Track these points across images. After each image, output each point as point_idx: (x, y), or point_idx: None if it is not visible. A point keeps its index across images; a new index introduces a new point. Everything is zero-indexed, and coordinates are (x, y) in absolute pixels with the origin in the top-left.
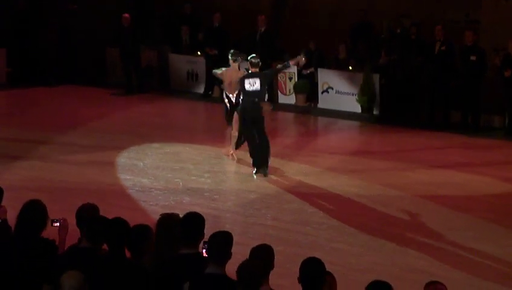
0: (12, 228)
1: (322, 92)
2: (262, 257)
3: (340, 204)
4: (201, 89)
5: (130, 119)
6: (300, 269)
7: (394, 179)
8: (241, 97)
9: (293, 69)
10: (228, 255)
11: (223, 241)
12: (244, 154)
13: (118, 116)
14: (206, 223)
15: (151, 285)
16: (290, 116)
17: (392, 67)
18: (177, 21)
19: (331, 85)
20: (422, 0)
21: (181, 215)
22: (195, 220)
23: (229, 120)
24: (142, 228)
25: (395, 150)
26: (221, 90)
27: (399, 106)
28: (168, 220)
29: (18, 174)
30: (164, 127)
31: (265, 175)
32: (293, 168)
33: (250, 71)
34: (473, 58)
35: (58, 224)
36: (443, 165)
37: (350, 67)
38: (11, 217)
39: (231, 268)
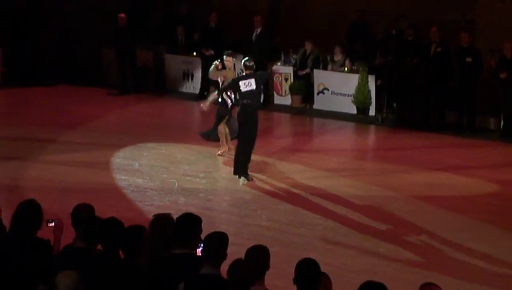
0: (7, 228)
1: (318, 93)
2: (257, 258)
3: (335, 205)
4: (196, 90)
5: (125, 119)
6: (295, 270)
7: (389, 180)
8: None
9: (289, 70)
10: (223, 256)
11: (218, 242)
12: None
13: (113, 116)
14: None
15: (146, 285)
16: (285, 117)
17: (388, 69)
18: (173, 21)
19: (326, 86)
20: (418, 2)
21: (176, 216)
22: (189, 221)
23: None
24: (137, 229)
25: (391, 151)
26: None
27: (394, 107)
28: (161, 220)
29: (13, 173)
30: (160, 127)
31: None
32: (288, 169)
33: (244, 73)
34: (468, 59)
35: (53, 224)
36: (439, 166)
37: (346, 68)
38: (6, 217)
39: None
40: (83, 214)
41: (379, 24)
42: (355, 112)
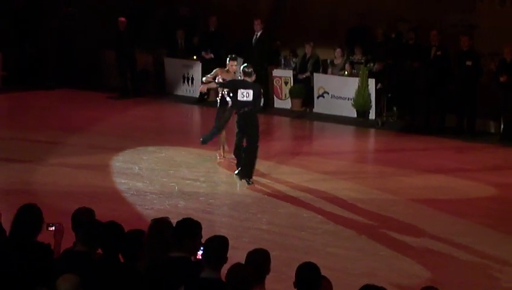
0: (7, 232)
1: (318, 97)
2: (258, 261)
3: (335, 208)
4: (196, 93)
5: (125, 123)
6: (296, 273)
7: (390, 183)
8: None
9: (289, 74)
10: (224, 260)
11: (218, 246)
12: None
13: (113, 119)
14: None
15: (145, 288)
16: (285, 120)
17: (388, 72)
18: (173, 24)
19: (326, 90)
20: (418, 5)
21: (176, 220)
22: (187, 225)
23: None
24: (137, 233)
25: (391, 154)
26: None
27: (394, 111)
28: (159, 224)
29: (13, 177)
30: (159, 131)
31: (248, 183)
32: (288, 173)
33: (242, 79)
34: (468, 63)
35: (53, 228)
36: (438, 169)
37: (346, 72)
38: (6, 221)
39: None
40: (83, 218)
41: (378, 27)
42: (355, 116)
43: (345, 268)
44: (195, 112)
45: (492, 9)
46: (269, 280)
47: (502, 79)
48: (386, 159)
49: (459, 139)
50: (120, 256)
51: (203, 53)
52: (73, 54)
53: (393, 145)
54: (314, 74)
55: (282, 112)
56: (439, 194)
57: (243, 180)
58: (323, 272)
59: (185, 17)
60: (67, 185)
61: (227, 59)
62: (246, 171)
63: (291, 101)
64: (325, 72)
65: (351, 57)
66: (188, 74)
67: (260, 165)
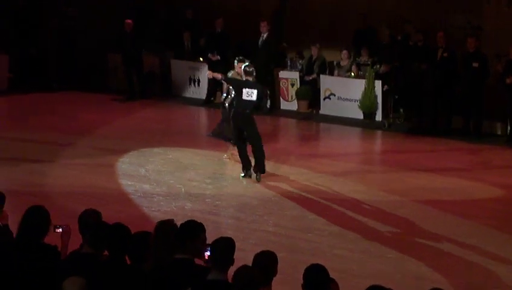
0: (14, 234)
1: (324, 99)
2: (265, 263)
3: (342, 210)
4: (203, 95)
5: (131, 125)
6: (304, 275)
7: (396, 185)
8: (234, 103)
9: (295, 75)
10: (231, 261)
11: (225, 248)
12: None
13: (119, 121)
14: (207, 229)
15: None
16: (292, 122)
17: (394, 74)
18: (179, 26)
19: (333, 91)
20: (424, 7)
21: (183, 221)
22: (189, 227)
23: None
24: (143, 235)
25: (398, 156)
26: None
27: (401, 113)
28: (165, 226)
29: (19, 179)
30: (166, 133)
31: (257, 180)
32: (295, 174)
33: (244, 79)
34: (475, 64)
35: (60, 230)
36: (445, 171)
37: (352, 74)
38: (13, 223)
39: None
40: (90, 220)
41: (385, 29)
42: (362, 117)
43: (352, 270)
44: (202, 113)
45: (499, 10)
46: (276, 282)
47: (508, 80)
48: (392, 160)
49: (465, 141)
50: (127, 258)
51: (209, 55)
52: (77, 56)
53: (399, 147)
54: (321, 76)
55: (288, 113)
56: (445, 195)
57: (253, 177)
58: (330, 274)
59: (191, 19)
60: (74, 186)
61: (235, 61)
62: (260, 167)
63: (298, 103)
64: (331, 73)
65: (357, 59)
66: (194, 76)
67: (266, 166)
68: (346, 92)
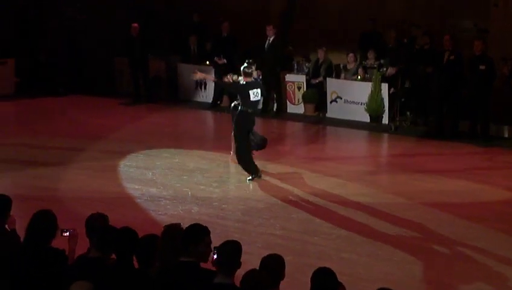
0: (22, 238)
1: (331, 102)
2: (273, 267)
3: (348, 213)
4: (209, 99)
5: (138, 129)
6: (312, 279)
7: (403, 188)
8: (241, 106)
9: (302, 79)
10: (237, 265)
11: (231, 251)
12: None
13: (126, 125)
14: (214, 232)
15: None
16: (298, 125)
17: (401, 77)
18: (186, 30)
19: (339, 94)
20: (431, 10)
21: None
22: (192, 231)
23: None
24: (151, 238)
25: (404, 159)
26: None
27: (408, 116)
28: (172, 230)
29: (27, 183)
30: (172, 137)
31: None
32: (301, 177)
33: (243, 81)
34: (481, 67)
35: (68, 234)
36: (452, 174)
37: (359, 77)
38: (20, 227)
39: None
40: (97, 224)
41: (391, 32)
42: (369, 121)
43: (358, 273)
44: (208, 117)
45: (506, 13)
46: (283, 286)
47: None
48: (399, 163)
49: (472, 143)
50: (134, 261)
51: (215, 58)
52: (84, 60)
53: (406, 150)
54: (327, 79)
55: (295, 117)
56: (452, 198)
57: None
58: (337, 278)
59: (197, 23)
60: (80, 191)
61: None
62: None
63: (304, 106)
64: (338, 77)
65: (363, 62)
66: (200, 80)
67: (273, 170)
68: (352, 95)
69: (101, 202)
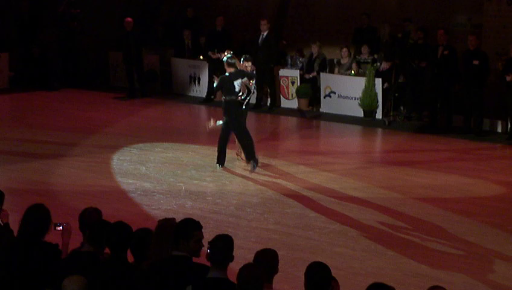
0: (15, 232)
1: (325, 97)
2: (266, 261)
3: (342, 208)
4: (203, 93)
5: (132, 123)
6: (306, 273)
7: (397, 182)
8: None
9: (296, 74)
10: (230, 259)
11: (223, 245)
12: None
13: (120, 120)
14: (207, 227)
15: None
16: (292, 120)
17: (395, 72)
18: (180, 25)
19: (333, 89)
20: (424, 5)
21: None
22: (183, 225)
23: None
24: (145, 232)
25: (398, 154)
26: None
27: (401, 110)
28: (166, 224)
29: (21, 177)
30: (166, 131)
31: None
32: (295, 172)
33: (227, 73)
34: (475, 62)
35: (61, 228)
36: (446, 169)
37: (353, 72)
38: (14, 221)
39: (235, 273)
40: (91, 218)
41: (385, 27)
42: (362, 115)
43: (352, 268)
44: (202, 111)
45: (499, 8)
46: (276, 280)
47: (508, 78)
48: (392, 158)
49: (466, 138)
50: (129, 255)
51: (209, 53)
52: (79, 54)
53: (400, 144)
54: (321, 74)
55: (289, 111)
56: (446, 193)
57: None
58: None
59: (191, 17)
60: (74, 185)
61: (241, 60)
62: (252, 151)
63: (298, 101)
64: (331, 71)
65: (357, 57)
66: (194, 74)
67: (267, 164)
68: (346, 90)
69: (95, 196)
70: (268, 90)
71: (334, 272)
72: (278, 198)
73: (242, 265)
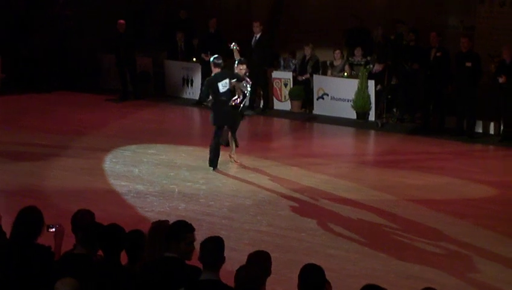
0: (7, 234)
1: (318, 98)
2: (259, 263)
3: (335, 210)
4: (196, 95)
5: (125, 126)
6: (299, 275)
7: (389, 184)
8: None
9: (289, 76)
10: (221, 260)
11: (214, 247)
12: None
13: (112, 122)
14: (201, 229)
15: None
16: (285, 122)
17: (387, 74)
18: (173, 27)
19: (326, 91)
20: (417, 7)
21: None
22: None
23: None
24: (137, 234)
25: (391, 156)
26: None
27: (394, 112)
28: (159, 227)
29: (12, 179)
30: (159, 133)
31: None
32: (288, 174)
33: (213, 74)
34: (468, 64)
35: (53, 230)
36: (438, 171)
37: (345, 74)
38: (6, 223)
39: (228, 275)
40: (83, 220)
41: (378, 29)
42: (355, 117)
43: (345, 270)
44: (195, 113)
45: (492, 10)
46: (269, 282)
47: (501, 80)
48: (385, 160)
49: (459, 140)
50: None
51: (202, 55)
52: (70, 56)
53: (393, 146)
54: (314, 76)
55: (281, 113)
56: (439, 195)
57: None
58: None
59: (184, 20)
60: (67, 187)
61: (236, 62)
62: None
63: (291, 103)
64: (324, 73)
65: (350, 59)
66: (187, 76)
67: (259, 166)
68: (339, 92)
69: (87, 198)
70: (261, 92)
71: (327, 274)
72: (271, 200)
73: (239, 267)
